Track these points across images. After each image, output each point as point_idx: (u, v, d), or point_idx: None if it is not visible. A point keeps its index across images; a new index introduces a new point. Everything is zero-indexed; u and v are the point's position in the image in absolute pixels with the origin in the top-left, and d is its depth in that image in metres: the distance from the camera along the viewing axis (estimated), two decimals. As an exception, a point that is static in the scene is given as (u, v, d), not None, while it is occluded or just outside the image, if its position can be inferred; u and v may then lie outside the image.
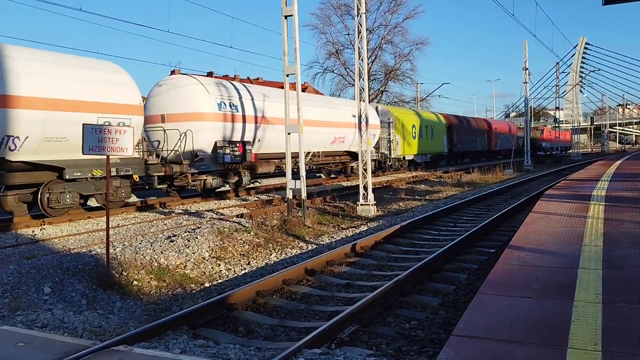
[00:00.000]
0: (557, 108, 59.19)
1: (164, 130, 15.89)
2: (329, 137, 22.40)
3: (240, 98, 17.69)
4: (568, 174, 23.41)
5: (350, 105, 24.17)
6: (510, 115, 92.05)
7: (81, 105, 12.14)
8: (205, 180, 16.65)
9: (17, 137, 11.22)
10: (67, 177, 12.18)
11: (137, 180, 14.27)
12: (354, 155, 24.17)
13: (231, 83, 18.78)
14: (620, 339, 3.70)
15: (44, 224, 12.19)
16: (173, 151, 15.83)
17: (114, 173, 12.88)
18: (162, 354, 4.30)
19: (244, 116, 17.46)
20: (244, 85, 19.49)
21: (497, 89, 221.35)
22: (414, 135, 31.76)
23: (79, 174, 12.41)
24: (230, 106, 17.01)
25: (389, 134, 28.92)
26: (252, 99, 18.18)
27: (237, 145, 17.05)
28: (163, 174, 15.14)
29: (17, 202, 12.23)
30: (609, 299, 4.50)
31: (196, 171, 16.25)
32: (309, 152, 20.95)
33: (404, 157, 30.86)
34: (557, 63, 55.95)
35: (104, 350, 4.40)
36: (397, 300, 6.33)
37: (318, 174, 26.83)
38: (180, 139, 15.73)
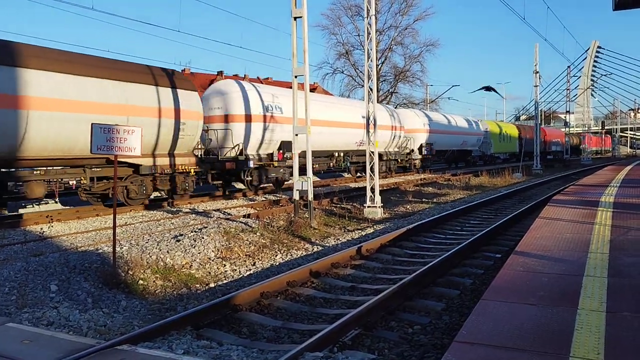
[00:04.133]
0: (568, 112, 58.79)
1: (224, 130, 18.02)
2: (357, 138, 24.31)
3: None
4: (577, 178, 23.24)
5: (383, 110, 27.28)
6: (520, 118, 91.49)
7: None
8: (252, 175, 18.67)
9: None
10: (141, 172, 14.25)
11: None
12: (379, 156, 26.23)
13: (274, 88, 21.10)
14: (623, 349, 3.68)
15: (52, 221, 12.30)
16: (233, 149, 17.64)
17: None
18: (165, 355, 4.32)
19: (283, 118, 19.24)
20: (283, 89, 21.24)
21: (507, 92, 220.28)
22: (499, 140, 46.00)
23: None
24: (275, 108, 19.00)
25: (487, 138, 42.77)
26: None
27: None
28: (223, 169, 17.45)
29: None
30: (613, 307, 4.47)
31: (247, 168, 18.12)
32: (341, 151, 23.68)
33: (494, 154, 44.96)
34: (568, 67, 55.74)
35: (108, 349, 4.43)
36: (401, 304, 6.32)
37: (343, 172, 29.33)
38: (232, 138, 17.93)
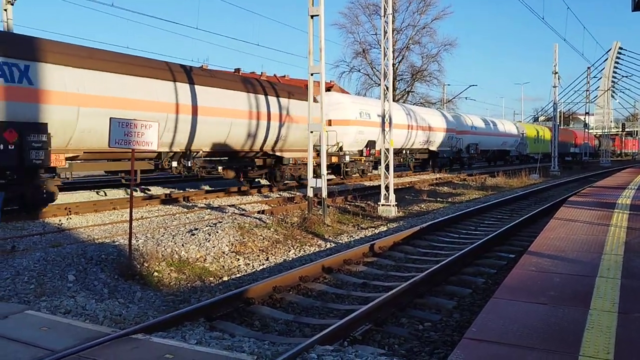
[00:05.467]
0: (587, 113, 57.98)
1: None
2: (420, 139, 29.95)
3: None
4: (595, 180, 22.97)
5: (438, 115, 33.86)
6: (539, 119, 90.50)
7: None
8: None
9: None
10: (283, 162, 19.25)
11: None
12: (433, 153, 32.70)
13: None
14: (634, 349, 3.68)
15: (70, 214, 12.53)
16: (334, 146, 22.09)
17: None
18: (178, 344, 4.41)
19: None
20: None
21: (526, 93, 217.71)
22: (534, 141, 50.03)
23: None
24: (365, 114, 23.90)
25: (523, 139, 47.28)
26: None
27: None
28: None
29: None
30: (625, 308, 4.46)
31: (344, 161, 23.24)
32: (408, 149, 29.26)
33: (530, 154, 48.14)
34: (588, 68, 54.74)
35: (123, 338, 4.53)
36: (412, 301, 6.35)
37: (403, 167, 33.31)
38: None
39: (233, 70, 43.77)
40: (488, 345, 3.82)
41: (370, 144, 23.75)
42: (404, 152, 28.88)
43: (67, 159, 12.03)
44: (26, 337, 4.57)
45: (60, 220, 11.85)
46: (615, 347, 3.70)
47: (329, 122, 21.98)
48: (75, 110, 11.84)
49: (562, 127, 59.28)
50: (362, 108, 23.84)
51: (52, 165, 11.48)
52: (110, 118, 7.38)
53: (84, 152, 12.58)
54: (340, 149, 22.39)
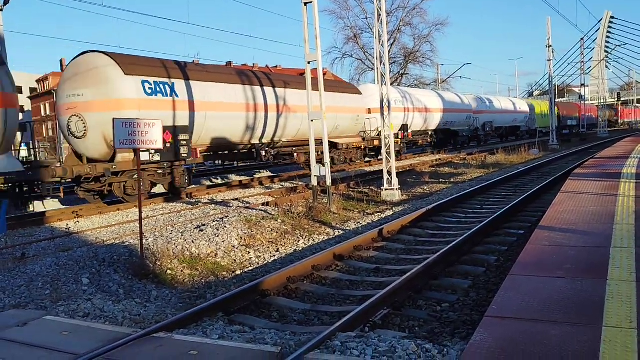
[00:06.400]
0: (583, 85, 57.85)
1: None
2: (444, 120, 34.71)
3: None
4: (596, 152, 22.98)
5: (456, 96, 37.81)
6: (534, 94, 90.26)
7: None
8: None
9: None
10: (337, 147, 23.22)
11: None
12: (453, 132, 36.79)
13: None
14: (656, 317, 3.69)
15: (78, 217, 12.52)
16: (373, 131, 26.39)
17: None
18: (201, 340, 4.43)
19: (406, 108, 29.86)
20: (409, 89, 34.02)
21: (520, 68, 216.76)
22: (542, 117, 51.65)
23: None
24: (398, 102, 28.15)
25: (532, 115, 50.18)
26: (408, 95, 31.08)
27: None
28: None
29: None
30: (643, 277, 4.47)
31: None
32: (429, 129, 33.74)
33: (538, 128, 48.14)
34: (582, 39, 54.67)
35: (145, 337, 4.55)
36: (427, 283, 6.37)
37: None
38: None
39: (225, 64, 43.59)
40: (510, 322, 3.84)
41: (404, 127, 27.93)
42: (430, 133, 33.50)
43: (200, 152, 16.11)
44: (48, 343, 4.59)
45: (67, 224, 11.85)
46: (637, 315, 3.71)
47: (369, 110, 26.12)
48: (204, 114, 15.86)
49: (567, 101, 60.60)
50: (395, 96, 27.65)
51: (193, 158, 15.46)
52: (114, 119, 7.35)
53: (207, 147, 16.76)
54: (379, 133, 25.32)
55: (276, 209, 11.82)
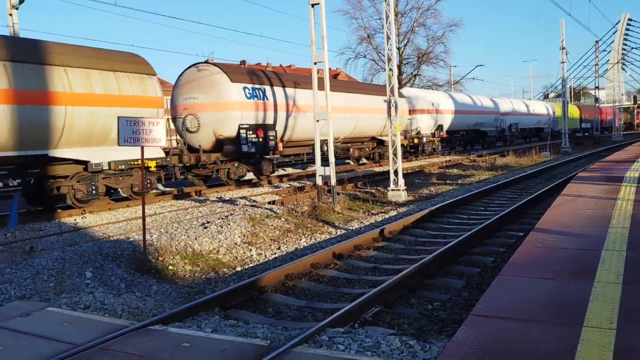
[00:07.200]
0: (597, 87, 57.24)
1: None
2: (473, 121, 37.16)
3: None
4: (606, 155, 22.81)
5: (486, 99, 40.47)
6: (549, 96, 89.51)
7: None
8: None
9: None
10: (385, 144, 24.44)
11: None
12: (482, 133, 38.85)
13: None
14: (636, 318, 3.75)
15: (85, 213, 12.76)
16: (413, 130, 29.00)
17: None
18: (194, 333, 4.57)
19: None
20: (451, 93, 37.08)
21: (535, 70, 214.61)
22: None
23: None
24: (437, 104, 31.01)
25: (555, 117, 51.91)
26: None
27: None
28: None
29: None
30: (630, 279, 4.53)
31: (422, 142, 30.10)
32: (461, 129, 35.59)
33: (560, 130, 48.36)
34: (596, 42, 54.08)
35: (141, 329, 4.70)
36: (421, 282, 6.45)
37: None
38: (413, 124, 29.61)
39: (239, 63, 43.82)
40: (495, 321, 3.92)
41: (439, 127, 30.57)
42: (461, 132, 35.84)
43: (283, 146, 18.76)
44: (49, 333, 4.76)
45: (75, 220, 12.07)
46: (619, 316, 3.78)
47: (409, 112, 28.58)
48: (285, 114, 18.67)
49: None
50: (432, 99, 30.77)
51: (277, 150, 18.46)
52: (118, 117, 7.53)
53: (286, 142, 19.36)
54: (419, 132, 28.95)
55: (281, 207, 11.95)
